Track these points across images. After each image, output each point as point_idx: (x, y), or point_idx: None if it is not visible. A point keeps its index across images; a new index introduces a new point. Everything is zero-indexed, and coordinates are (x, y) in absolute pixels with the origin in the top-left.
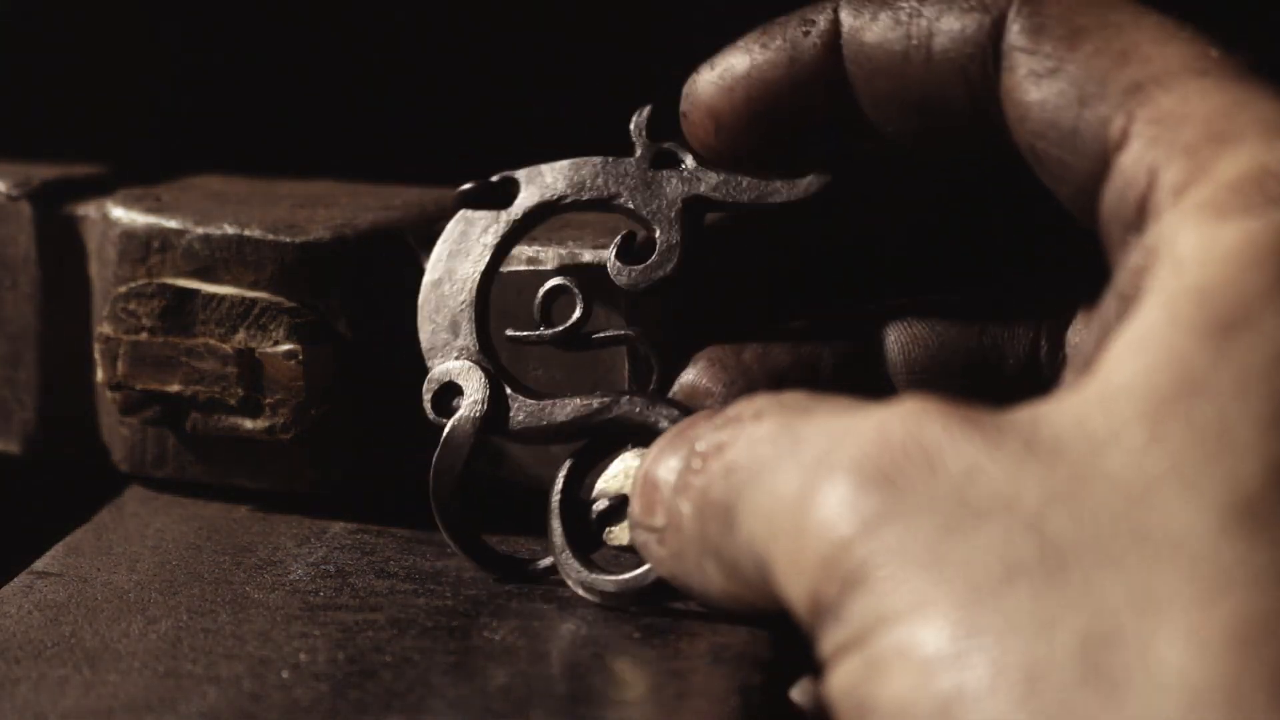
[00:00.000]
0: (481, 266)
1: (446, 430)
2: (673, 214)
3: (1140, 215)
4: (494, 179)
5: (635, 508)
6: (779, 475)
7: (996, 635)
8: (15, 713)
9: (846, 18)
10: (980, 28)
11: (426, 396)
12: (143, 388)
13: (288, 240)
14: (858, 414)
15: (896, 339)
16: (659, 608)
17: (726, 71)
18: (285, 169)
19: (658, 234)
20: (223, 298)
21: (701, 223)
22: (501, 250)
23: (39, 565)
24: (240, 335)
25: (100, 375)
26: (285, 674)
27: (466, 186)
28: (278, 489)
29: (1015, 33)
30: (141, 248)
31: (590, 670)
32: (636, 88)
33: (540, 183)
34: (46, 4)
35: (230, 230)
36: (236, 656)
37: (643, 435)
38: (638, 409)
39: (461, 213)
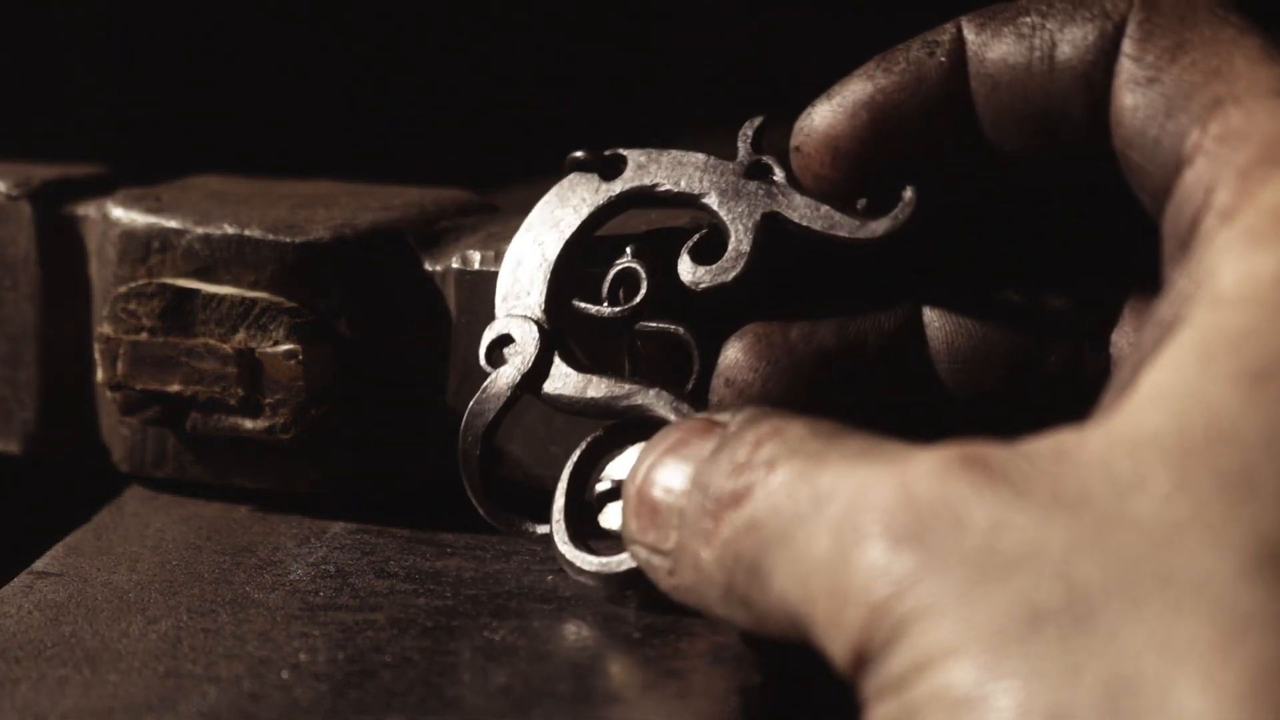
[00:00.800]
0: (567, 234)
1: (489, 378)
2: (749, 224)
3: (1192, 233)
4: (606, 153)
5: (631, 524)
6: (808, 537)
7: (1023, 679)
8: (15, 713)
9: (970, 34)
10: (1102, 34)
11: (484, 343)
12: (143, 388)
13: (288, 240)
14: (877, 463)
15: (942, 327)
16: (660, 608)
17: (848, 98)
18: (285, 169)
19: (730, 240)
20: (223, 298)
21: (774, 238)
22: (590, 224)
23: (39, 565)
24: (240, 335)
25: (100, 375)
26: (285, 674)
27: (579, 154)
28: (278, 489)
29: (1126, 38)
30: (141, 248)
31: (590, 670)
32: (636, 88)
33: (643, 168)
34: (46, 4)
35: (230, 230)
36: (236, 656)
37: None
38: (660, 404)
39: (570, 176)
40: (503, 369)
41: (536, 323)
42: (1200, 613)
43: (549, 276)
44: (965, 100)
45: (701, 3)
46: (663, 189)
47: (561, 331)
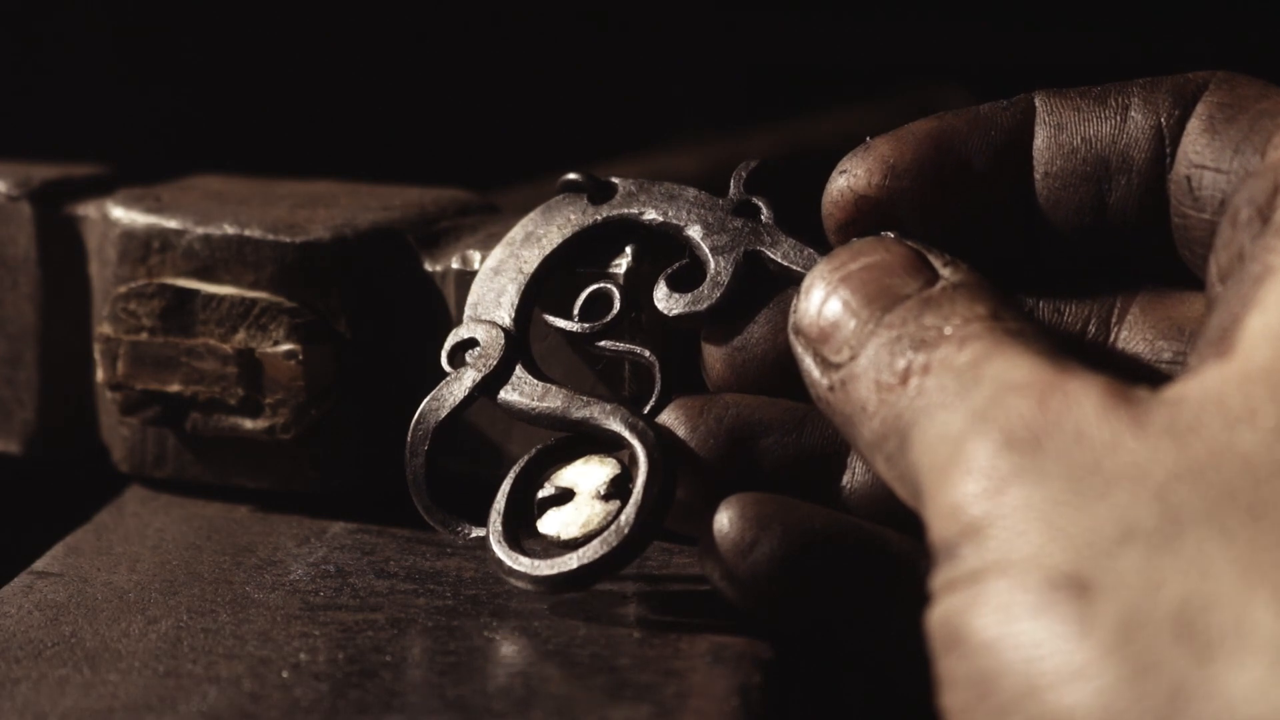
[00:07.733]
0: (545, 252)
1: (448, 378)
2: (729, 258)
3: (1272, 202)
4: (600, 179)
5: (804, 320)
6: (950, 415)
7: (1100, 589)
8: (15, 713)
9: (1041, 97)
10: (1182, 94)
11: (447, 344)
12: (143, 388)
13: (288, 240)
14: (1039, 367)
15: None
16: (659, 608)
17: (916, 131)
18: (285, 169)
19: (709, 271)
20: (223, 298)
21: (755, 275)
22: (572, 243)
23: (39, 565)
24: (240, 335)
25: (100, 375)
26: (285, 674)
27: (572, 176)
28: (278, 489)
29: (1206, 93)
30: (141, 248)
31: (590, 670)
32: (634, 90)
33: (633, 195)
34: (46, 4)
35: (230, 230)
36: (236, 656)
37: (611, 447)
38: (616, 425)
39: (558, 196)
40: (464, 370)
41: (504, 329)
42: None
43: (523, 288)
44: (1026, 149)
45: (703, 3)
46: (648, 218)
47: (525, 342)
